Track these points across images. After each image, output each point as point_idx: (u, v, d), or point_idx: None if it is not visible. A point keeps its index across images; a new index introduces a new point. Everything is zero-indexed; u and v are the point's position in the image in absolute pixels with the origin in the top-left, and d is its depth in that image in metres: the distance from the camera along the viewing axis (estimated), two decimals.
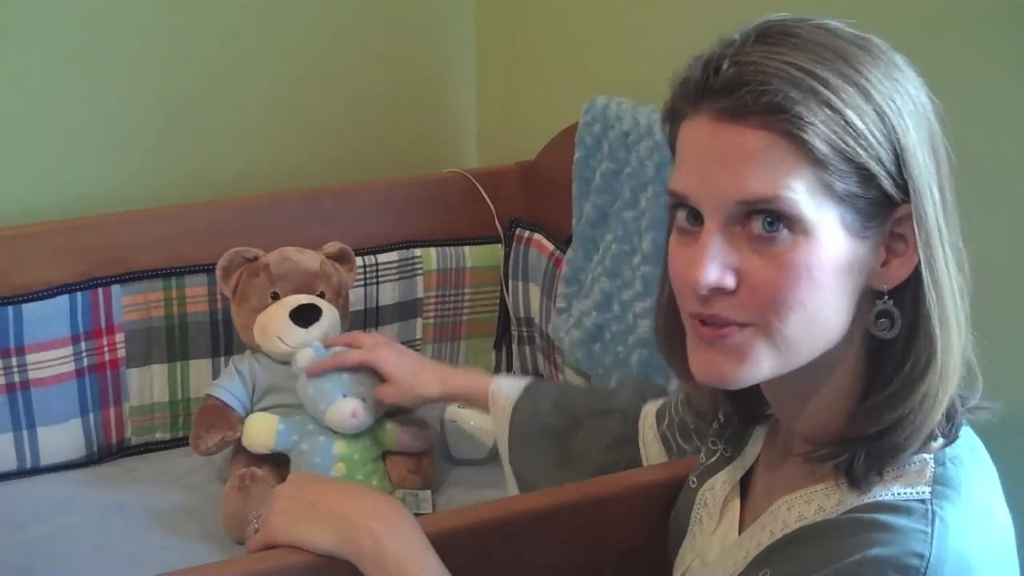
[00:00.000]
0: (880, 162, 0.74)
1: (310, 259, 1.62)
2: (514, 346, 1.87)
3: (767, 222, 0.74)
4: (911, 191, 0.75)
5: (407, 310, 1.79)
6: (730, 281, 0.76)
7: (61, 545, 1.44)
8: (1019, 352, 1.07)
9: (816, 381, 0.81)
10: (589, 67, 1.78)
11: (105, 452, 1.65)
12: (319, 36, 1.93)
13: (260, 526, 1.03)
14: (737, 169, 0.75)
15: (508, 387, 1.33)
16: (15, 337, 1.54)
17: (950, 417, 0.80)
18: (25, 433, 1.58)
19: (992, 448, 0.83)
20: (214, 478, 1.59)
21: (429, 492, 1.52)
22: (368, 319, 1.76)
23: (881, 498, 0.76)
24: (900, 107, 0.75)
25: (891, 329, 0.77)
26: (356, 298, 1.73)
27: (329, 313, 1.58)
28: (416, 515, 1.01)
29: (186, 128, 1.86)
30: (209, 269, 1.63)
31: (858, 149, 0.73)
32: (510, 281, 1.84)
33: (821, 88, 0.73)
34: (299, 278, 1.59)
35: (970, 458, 0.80)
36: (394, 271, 1.77)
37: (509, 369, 1.88)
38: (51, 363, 1.57)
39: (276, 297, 1.58)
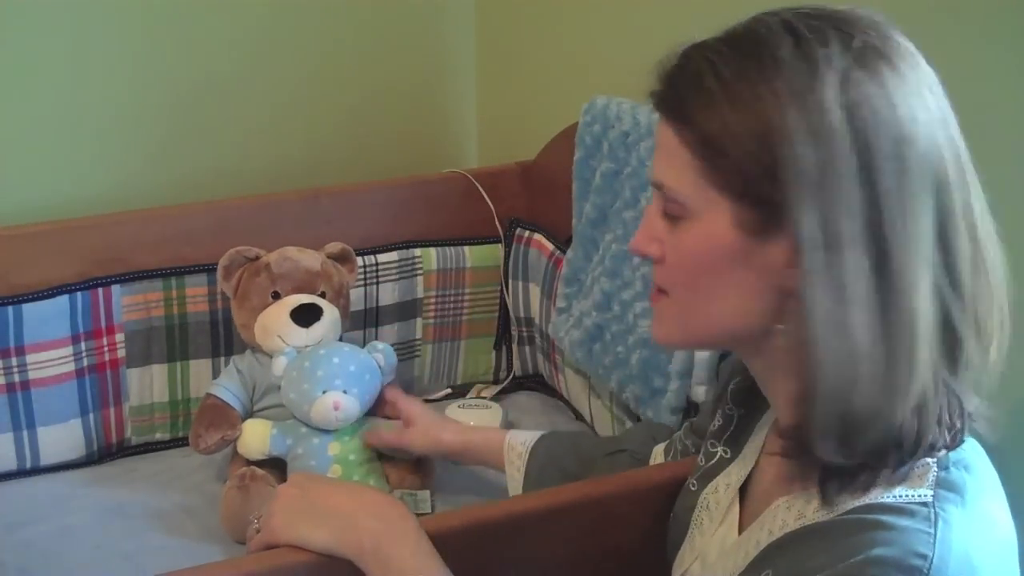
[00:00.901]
0: (752, 167, 0.75)
1: (311, 259, 1.62)
2: (514, 346, 1.87)
3: (668, 205, 0.82)
4: (788, 201, 0.74)
5: (407, 310, 1.79)
6: (654, 249, 0.84)
7: (61, 545, 1.44)
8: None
9: (765, 366, 0.85)
10: (589, 67, 1.78)
11: (105, 452, 1.65)
12: (319, 37, 1.93)
13: (261, 526, 1.03)
14: (656, 154, 0.83)
15: (524, 435, 1.37)
16: (15, 337, 1.54)
17: (951, 426, 0.78)
18: (25, 433, 1.58)
19: (997, 452, 0.83)
20: (214, 478, 1.59)
21: (428, 492, 1.52)
22: (368, 319, 1.76)
23: (883, 500, 0.76)
24: (798, 120, 0.73)
25: (806, 326, 0.75)
26: (356, 298, 1.73)
27: (330, 313, 1.58)
28: (415, 515, 1.01)
29: (186, 128, 1.86)
30: (209, 269, 1.63)
31: (733, 150, 0.76)
32: (510, 281, 1.83)
33: (716, 88, 0.77)
34: (300, 278, 1.59)
35: (975, 464, 0.80)
36: (394, 271, 1.77)
37: (509, 369, 1.88)
38: (51, 363, 1.57)
39: (277, 296, 1.58)
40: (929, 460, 0.78)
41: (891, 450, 0.76)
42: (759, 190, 0.76)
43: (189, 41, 1.83)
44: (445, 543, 0.97)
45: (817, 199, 0.73)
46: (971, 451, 0.80)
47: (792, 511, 0.83)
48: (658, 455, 1.25)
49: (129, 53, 1.79)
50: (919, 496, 0.75)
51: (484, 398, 1.80)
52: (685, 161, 0.79)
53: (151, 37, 1.80)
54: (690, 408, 1.38)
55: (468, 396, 1.83)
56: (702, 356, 1.35)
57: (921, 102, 0.76)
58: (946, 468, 0.77)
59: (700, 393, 1.37)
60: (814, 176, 0.73)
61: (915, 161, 0.74)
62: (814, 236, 0.73)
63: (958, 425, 0.79)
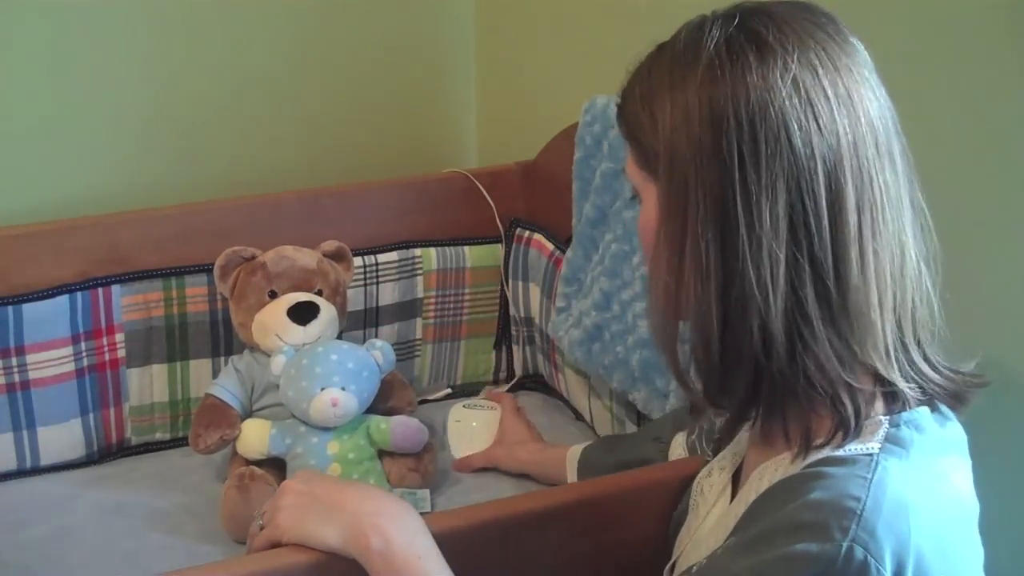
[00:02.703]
0: (649, 151, 0.84)
1: (307, 257, 1.62)
2: (514, 346, 1.87)
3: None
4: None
5: (407, 310, 1.79)
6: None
7: (61, 545, 1.44)
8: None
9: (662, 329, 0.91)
10: (589, 67, 1.78)
11: (105, 452, 1.65)
12: (319, 37, 1.93)
13: (266, 522, 1.03)
14: None
15: (581, 446, 1.45)
16: (15, 337, 1.54)
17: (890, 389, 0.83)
18: (25, 433, 1.58)
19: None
20: (214, 478, 1.59)
21: (428, 491, 1.53)
22: (368, 319, 1.76)
23: (834, 454, 0.81)
24: (672, 104, 0.81)
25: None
26: (356, 298, 1.73)
27: (327, 311, 1.58)
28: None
29: (186, 128, 1.86)
30: (209, 269, 1.63)
31: (641, 138, 0.85)
32: (510, 281, 1.83)
33: (637, 85, 0.86)
34: (296, 276, 1.59)
35: (936, 432, 0.83)
36: (394, 271, 1.77)
37: (509, 369, 1.88)
38: (51, 363, 1.57)
39: (274, 295, 1.58)
40: (882, 418, 0.82)
41: (766, 400, 0.84)
42: (657, 170, 0.84)
43: (190, 43, 1.83)
44: (445, 543, 0.97)
45: (677, 177, 0.81)
46: (927, 416, 0.84)
47: (764, 480, 0.87)
48: (678, 445, 1.26)
49: (130, 54, 1.79)
50: (866, 449, 0.80)
51: (488, 401, 1.79)
52: (629, 151, 0.88)
53: (152, 38, 1.80)
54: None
55: (480, 396, 1.83)
56: None
57: (789, 83, 0.79)
58: (897, 426, 0.82)
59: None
60: (677, 157, 0.81)
61: (769, 143, 0.78)
62: (663, 207, 0.83)
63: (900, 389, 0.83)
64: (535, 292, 1.79)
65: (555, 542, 1.07)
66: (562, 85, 1.85)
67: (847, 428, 0.81)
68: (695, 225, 0.80)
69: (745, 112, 0.78)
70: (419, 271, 1.79)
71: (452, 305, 1.82)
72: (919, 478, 0.79)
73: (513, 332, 1.86)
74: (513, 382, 1.87)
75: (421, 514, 1.01)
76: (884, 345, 0.82)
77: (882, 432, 0.81)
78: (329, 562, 0.98)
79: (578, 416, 1.73)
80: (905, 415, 0.82)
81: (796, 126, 0.78)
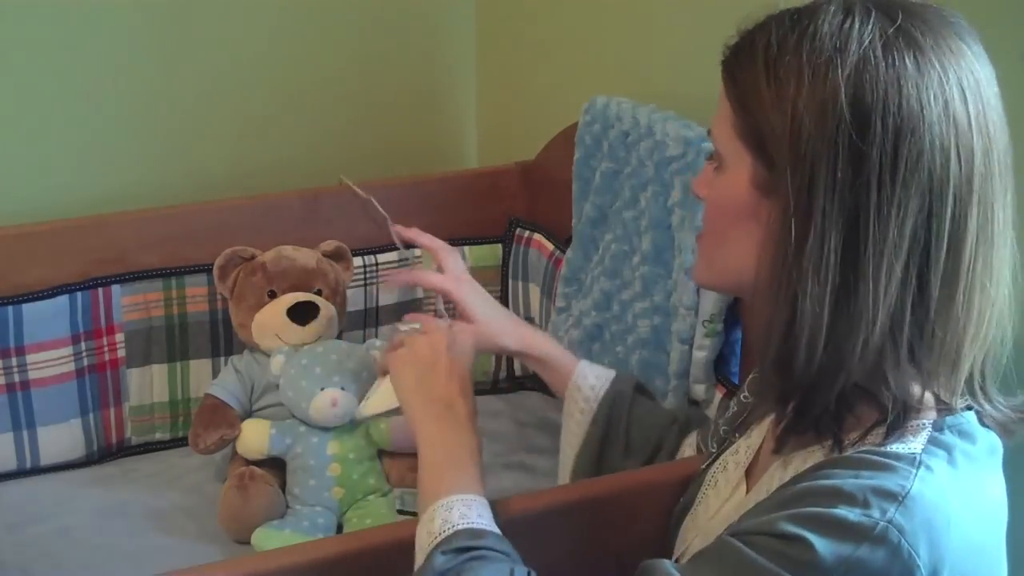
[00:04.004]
0: (771, 130, 0.79)
1: (307, 257, 1.62)
2: None
3: (715, 154, 0.87)
4: (784, 165, 0.78)
5: (407, 310, 1.79)
6: (701, 191, 0.90)
7: (61, 545, 1.44)
8: None
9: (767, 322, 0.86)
10: (589, 67, 1.78)
11: (105, 452, 1.65)
12: (319, 37, 1.93)
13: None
14: (718, 109, 0.87)
15: (592, 379, 1.27)
16: (15, 337, 1.54)
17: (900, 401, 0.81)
18: (25, 433, 1.58)
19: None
20: (214, 478, 1.59)
21: None
22: (368, 319, 1.76)
23: (874, 448, 0.79)
24: (809, 92, 0.76)
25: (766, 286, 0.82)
26: (356, 298, 1.73)
27: (326, 310, 1.58)
28: (414, 514, 1.01)
29: (186, 128, 1.86)
30: (209, 269, 1.63)
31: (755, 110, 0.80)
32: (510, 281, 1.83)
33: (761, 53, 0.80)
34: (296, 276, 1.59)
35: (978, 439, 0.82)
36: (394, 271, 1.77)
37: (509, 369, 1.87)
38: (51, 363, 1.57)
39: (273, 295, 1.58)
40: (925, 421, 0.81)
41: (832, 412, 0.81)
42: (769, 150, 0.80)
43: (190, 42, 1.83)
44: None
45: (805, 170, 0.77)
46: (974, 424, 0.82)
47: (789, 468, 0.86)
48: (688, 447, 1.24)
49: (130, 53, 1.79)
50: (909, 449, 0.78)
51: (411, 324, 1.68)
52: (726, 115, 0.84)
53: (152, 37, 1.80)
54: (690, 406, 1.38)
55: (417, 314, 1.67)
56: (699, 356, 1.35)
57: (941, 102, 0.76)
58: (940, 430, 0.80)
59: (700, 392, 1.37)
60: (808, 148, 0.76)
61: (911, 158, 0.75)
62: (791, 203, 0.78)
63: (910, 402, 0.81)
64: (535, 292, 1.79)
65: (555, 542, 1.07)
66: (562, 85, 1.85)
67: (891, 429, 0.79)
68: (821, 224, 0.76)
69: (893, 121, 0.75)
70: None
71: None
72: (961, 483, 0.78)
73: None
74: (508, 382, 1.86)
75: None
76: (958, 378, 0.81)
77: (925, 434, 0.80)
78: (329, 562, 0.98)
79: None
80: (949, 419, 0.81)
81: (939, 147, 0.75)
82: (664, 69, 1.60)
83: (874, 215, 0.75)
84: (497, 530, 0.92)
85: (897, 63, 0.76)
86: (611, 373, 1.28)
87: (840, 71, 0.76)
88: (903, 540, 0.73)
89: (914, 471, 0.76)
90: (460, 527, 0.90)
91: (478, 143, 2.13)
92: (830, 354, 0.78)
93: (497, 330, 1.29)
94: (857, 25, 0.77)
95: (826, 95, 0.76)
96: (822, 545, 0.72)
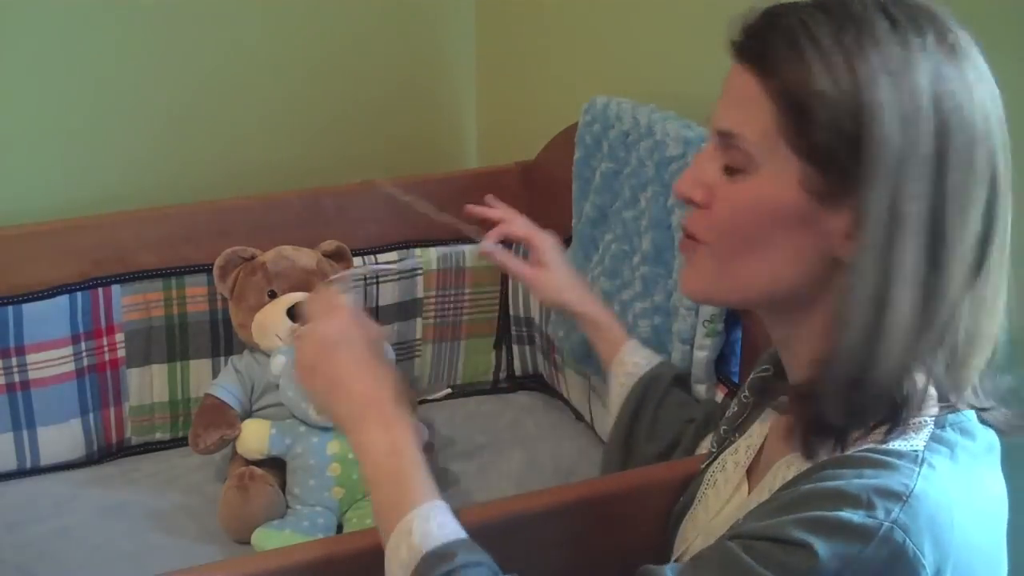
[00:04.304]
0: (836, 135, 0.76)
1: (307, 257, 1.62)
2: (514, 346, 1.86)
3: (732, 155, 0.81)
4: (864, 174, 0.75)
5: (407, 310, 1.79)
6: (698, 195, 0.83)
7: (61, 545, 1.44)
8: None
9: (791, 330, 0.85)
10: (589, 67, 1.78)
11: (105, 452, 1.65)
12: (319, 37, 1.93)
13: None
14: (726, 103, 0.82)
15: (638, 357, 1.30)
16: (15, 337, 1.54)
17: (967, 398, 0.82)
18: (25, 433, 1.58)
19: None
20: (214, 478, 1.59)
21: None
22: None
23: (876, 446, 0.79)
24: (891, 98, 0.75)
25: (849, 296, 0.78)
26: (356, 298, 1.73)
27: None
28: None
29: (186, 128, 1.86)
30: (209, 269, 1.63)
31: (816, 113, 0.76)
32: (510, 281, 1.83)
33: (809, 47, 0.76)
34: (296, 276, 1.59)
35: (979, 437, 0.82)
36: (394, 271, 1.77)
37: (510, 369, 1.88)
38: (51, 363, 1.57)
39: (273, 295, 1.58)
40: (927, 418, 0.80)
41: (883, 413, 0.79)
42: (837, 157, 0.76)
43: (189, 41, 1.83)
44: None
45: (891, 178, 0.75)
46: (974, 422, 0.82)
47: (792, 468, 0.85)
48: (704, 449, 1.23)
49: (129, 53, 1.79)
50: (911, 447, 0.78)
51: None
52: (763, 112, 0.78)
53: (151, 37, 1.80)
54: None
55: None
56: (700, 356, 1.35)
57: (990, 107, 0.78)
58: (942, 427, 0.80)
59: (701, 391, 1.37)
60: (894, 156, 0.75)
61: (980, 161, 0.76)
62: (880, 213, 0.75)
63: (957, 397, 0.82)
64: None
65: (555, 542, 1.07)
66: (562, 85, 1.85)
67: (894, 426, 0.79)
68: (910, 229, 0.75)
69: (965, 123, 0.76)
70: (419, 271, 1.79)
71: (452, 305, 1.82)
72: (963, 481, 0.78)
73: (513, 332, 1.86)
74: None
75: None
76: (969, 375, 0.81)
77: (927, 432, 0.80)
78: (329, 562, 0.98)
79: (578, 416, 1.73)
80: (951, 417, 0.81)
81: (995, 145, 0.77)
82: (664, 69, 1.60)
83: (956, 219, 0.76)
84: (462, 533, 0.87)
85: (962, 73, 0.76)
86: (658, 358, 1.31)
87: (918, 78, 0.75)
88: (908, 540, 0.72)
89: (917, 469, 0.76)
90: (425, 550, 0.84)
91: (478, 143, 2.13)
92: (906, 358, 0.77)
93: (565, 285, 1.33)
94: (912, 32, 0.76)
95: (911, 102, 0.75)
96: (826, 549, 0.72)
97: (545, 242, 1.37)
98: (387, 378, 0.96)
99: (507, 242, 1.38)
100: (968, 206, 0.76)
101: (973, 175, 0.76)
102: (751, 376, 1.02)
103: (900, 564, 0.73)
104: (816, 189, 0.77)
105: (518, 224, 1.40)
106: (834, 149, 0.76)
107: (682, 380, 1.31)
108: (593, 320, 1.33)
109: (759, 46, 0.79)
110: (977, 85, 0.77)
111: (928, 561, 0.73)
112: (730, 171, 0.81)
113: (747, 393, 1.02)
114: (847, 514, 0.73)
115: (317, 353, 0.96)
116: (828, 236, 0.78)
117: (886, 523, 0.72)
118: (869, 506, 0.73)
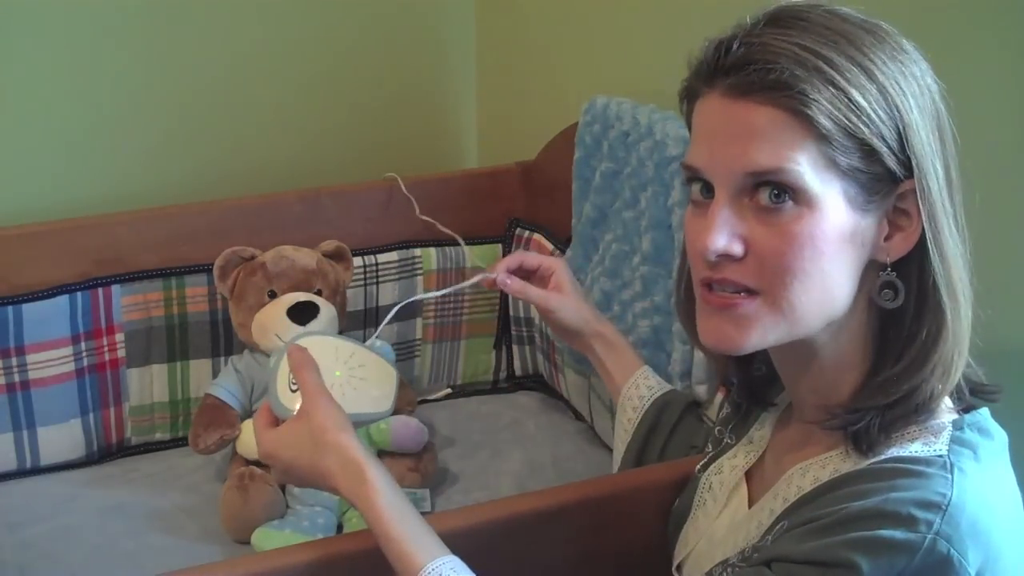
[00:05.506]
0: (882, 138, 0.78)
1: (307, 257, 1.62)
2: (514, 346, 1.86)
3: (773, 193, 0.79)
4: (914, 167, 0.79)
5: (407, 310, 1.79)
6: (737, 248, 0.80)
7: (61, 545, 1.44)
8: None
9: (823, 350, 0.85)
10: (589, 67, 1.78)
11: (105, 452, 1.65)
12: (319, 37, 1.93)
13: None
14: (745, 143, 0.79)
15: (644, 390, 1.27)
16: (15, 337, 1.54)
17: (969, 386, 0.84)
18: (25, 433, 1.58)
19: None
20: (214, 478, 1.59)
21: (428, 491, 1.53)
22: (368, 319, 1.76)
23: (900, 454, 0.79)
24: (903, 88, 0.79)
25: (894, 300, 0.81)
26: (356, 298, 1.73)
27: (326, 311, 1.58)
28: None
29: (186, 128, 1.86)
30: (209, 269, 1.63)
31: (860, 126, 0.77)
32: None
33: (826, 67, 0.77)
34: (296, 276, 1.59)
35: (996, 435, 0.83)
36: (394, 271, 1.77)
37: (510, 369, 1.87)
38: (51, 363, 1.57)
39: (273, 295, 1.58)
40: (944, 421, 0.81)
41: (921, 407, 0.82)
42: (878, 166, 0.79)
43: (189, 41, 1.83)
44: (445, 543, 0.97)
45: (933, 167, 0.79)
46: (989, 420, 0.84)
47: (808, 476, 0.85)
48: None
49: (130, 54, 1.79)
50: (934, 451, 0.79)
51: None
52: (797, 139, 0.77)
53: (151, 38, 1.80)
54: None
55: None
56: (700, 356, 1.35)
57: (934, 88, 0.83)
58: (961, 429, 0.81)
59: (702, 392, 1.37)
60: (929, 147, 0.79)
61: (954, 147, 0.82)
62: (938, 192, 0.79)
63: (976, 389, 0.85)
64: None
65: (555, 542, 1.07)
66: (562, 85, 1.85)
67: (915, 430, 0.81)
68: (944, 210, 0.80)
69: (937, 102, 0.81)
70: (419, 271, 1.79)
71: (452, 305, 1.82)
72: (991, 481, 0.79)
73: (513, 332, 1.86)
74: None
75: (422, 514, 1.01)
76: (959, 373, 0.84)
77: (946, 434, 0.81)
78: (329, 562, 0.98)
79: (578, 416, 1.73)
80: (968, 417, 0.83)
81: (944, 109, 0.82)
82: (664, 69, 1.59)
83: (956, 197, 0.81)
84: None
85: (912, 58, 0.81)
86: (669, 385, 1.29)
87: (923, 78, 0.80)
88: (952, 549, 0.74)
89: (949, 476, 0.76)
90: None
91: (478, 143, 2.13)
92: (965, 341, 0.82)
93: (583, 305, 1.30)
94: (893, 41, 0.81)
95: (924, 99, 0.80)
96: (871, 568, 0.73)
97: (559, 266, 1.32)
98: (338, 443, 0.96)
99: (518, 273, 1.35)
100: (958, 187, 0.82)
101: (952, 155, 0.82)
102: (740, 377, 0.99)
103: (946, 574, 0.74)
104: (855, 201, 0.79)
105: (529, 255, 1.35)
106: (878, 159, 0.78)
107: (696, 406, 1.28)
108: (610, 341, 1.29)
109: (765, 77, 0.77)
110: (925, 72, 0.82)
111: (972, 566, 0.74)
112: (768, 211, 0.79)
113: (738, 394, 1.00)
114: (889, 532, 0.74)
115: (282, 472, 1.01)
116: (868, 243, 0.81)
117: (929, 536, 0.74)
118: (910, 521, 0.74)
